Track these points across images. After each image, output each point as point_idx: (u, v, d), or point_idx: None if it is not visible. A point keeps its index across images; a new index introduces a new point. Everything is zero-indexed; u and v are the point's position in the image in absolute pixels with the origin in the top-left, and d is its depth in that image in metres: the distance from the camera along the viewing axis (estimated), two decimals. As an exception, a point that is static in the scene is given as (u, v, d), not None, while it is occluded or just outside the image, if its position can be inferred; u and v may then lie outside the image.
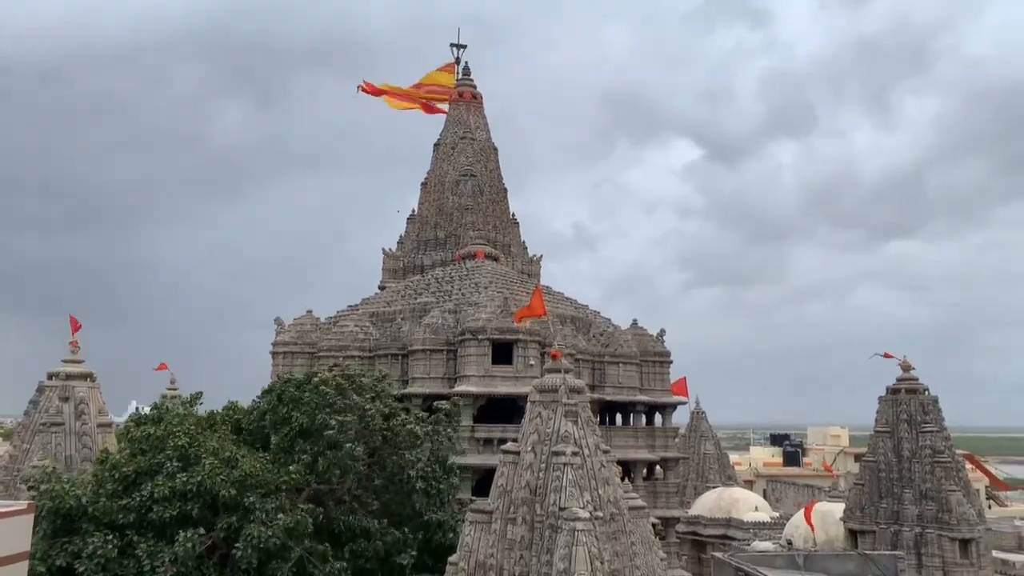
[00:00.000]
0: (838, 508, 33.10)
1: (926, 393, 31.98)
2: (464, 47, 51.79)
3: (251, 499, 17.92)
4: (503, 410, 34.12)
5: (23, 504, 13.66)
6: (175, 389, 30.98)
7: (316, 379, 21.10)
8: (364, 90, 49.04)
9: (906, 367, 32.22)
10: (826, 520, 33.02)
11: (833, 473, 76.04)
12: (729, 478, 54.54)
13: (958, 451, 32.64)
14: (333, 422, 19.67)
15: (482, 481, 30.98)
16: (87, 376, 25.36)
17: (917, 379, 32.13)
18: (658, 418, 40.95)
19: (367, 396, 21.29)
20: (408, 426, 21.10)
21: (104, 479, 18.94)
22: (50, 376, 25.25)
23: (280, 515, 17.87)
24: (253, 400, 22.91)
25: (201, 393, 23.80)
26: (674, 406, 40.24)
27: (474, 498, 26.35)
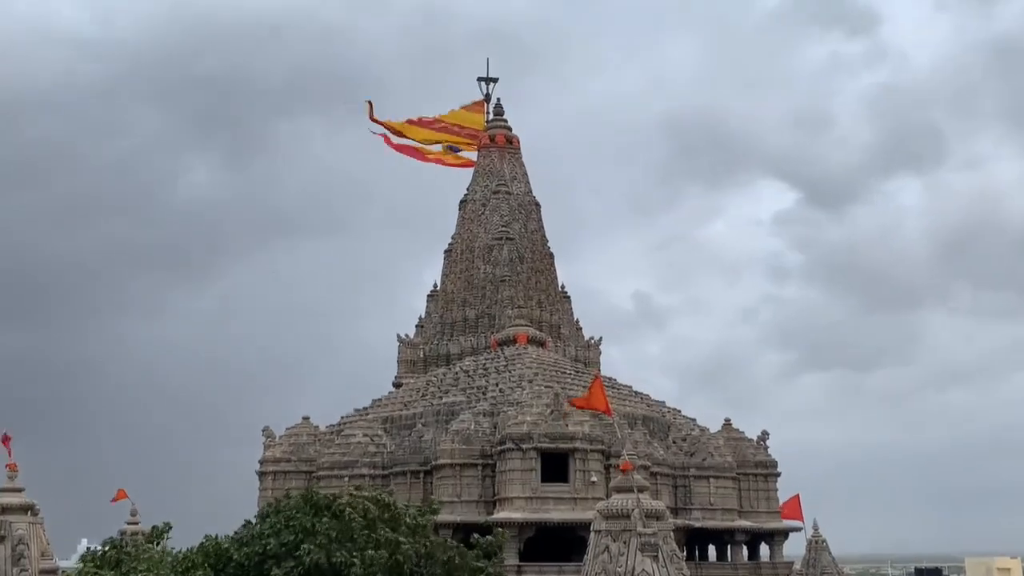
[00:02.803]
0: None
1: None
2: (495, 81, 53.36)
3: None
4: (558, 543, 33.44)
5: None
6: (136, 523, 31.10)
7: (342, 501, 21.04)
8: (378, 121, 51.04)
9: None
10: None
11: (1006, 621, 72.62)
12: (864, 630, 52.31)
13: None
14: (356, 561, 19.48)
15: (533, 639, 30.17)
16: (28, 508, 25.51)
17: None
18: (764, 550, 39.69)
19: (402, 530, 21.11)
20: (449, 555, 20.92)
21: None
22: (-19, 509, 25.49)
23: None
24: (244, 524, 22.79)
25: (169, 525, 23.81)
26: (785, 533, 39.14)
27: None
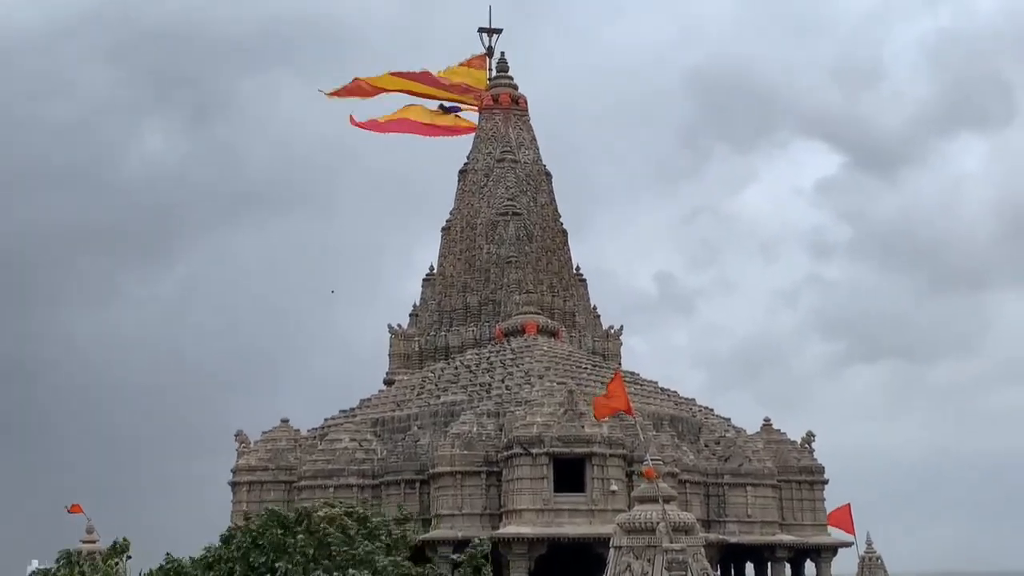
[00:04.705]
0: None
1: None
2: (498, 32, 53.11)
3: None
4: (573, 561, 33.53)
5: None
6: (93, 541, 31.43)
7: (319, 515, 21.29)
8: (338, 92, 50.43)
9: None
10: None
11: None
12: (925, 658, 52.62)
13: None
14: None
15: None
16: (-32, 525, 25.94)
17: None
18: (810, 567, 39.75)
19: (379, 544, 21.35)
20: None
21: None
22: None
23: None
24: (205, 550, 23.05)
25: (128, 542, 24.07)
26: (834, 549, 39.18)
27: None
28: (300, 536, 20.84)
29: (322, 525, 20.84)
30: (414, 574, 22.03)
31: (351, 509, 22.58)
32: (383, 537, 22.13)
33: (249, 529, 22.05)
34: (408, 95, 51.47)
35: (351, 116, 50.85)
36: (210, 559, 22.20)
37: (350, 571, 20.01)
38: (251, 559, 21.09)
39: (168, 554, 22.91)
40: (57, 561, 24.19)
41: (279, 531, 21.23)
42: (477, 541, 24.85)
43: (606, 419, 34.48)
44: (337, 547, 20.68)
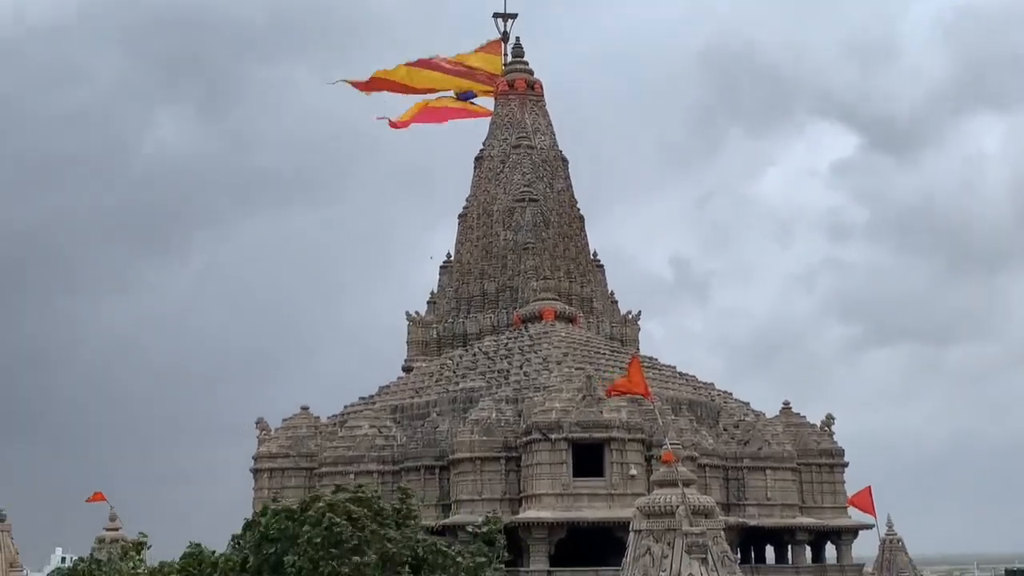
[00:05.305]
0: None
1: None
2: (513, 17, 53.02)
3: None
4: (593, 545, 33.66)
5: None
6: (116, 529, 31.74)
7: (320, 504, 21.45)
8: (361, 86, 50.42)
9: None
10: None
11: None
12: (946, 640, 52.71)
13: None
14: (346, 569, 19.83)
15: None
16: (-6, 514, 26.19)
17: None
18: (830, 550, 39.75)
19: (388, 524, 21.50)
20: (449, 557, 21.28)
21: None
22: (-56, 516, 26.13)
23: None
24: (231, 541, 23.33)
25: (146, 538, 24.39)
26: (854, 532, 39.16)
27: None
28: (307, 528, 20.95)
29: (327, 515, 20.96)
30: (421, 542, 22.09)
31: (357, 495, 22.71)
32: (391, 517, 22.25)
33: (259, 523, 22.22)
34: (428, 92, 51.44)
35: (389, 120, 50.90)
36: (230, 555, 22.47)
37: (355, 558, 20.11)
38: (262, 550, 21.27)
39: (191, 542, 23.16)
40: (75, 562, 24.59)
41: (287, 523, 21.36)
42: (491, 513, 24.99)
43: (625, 404, 34.61)
44: (344, 532, 20.80)
